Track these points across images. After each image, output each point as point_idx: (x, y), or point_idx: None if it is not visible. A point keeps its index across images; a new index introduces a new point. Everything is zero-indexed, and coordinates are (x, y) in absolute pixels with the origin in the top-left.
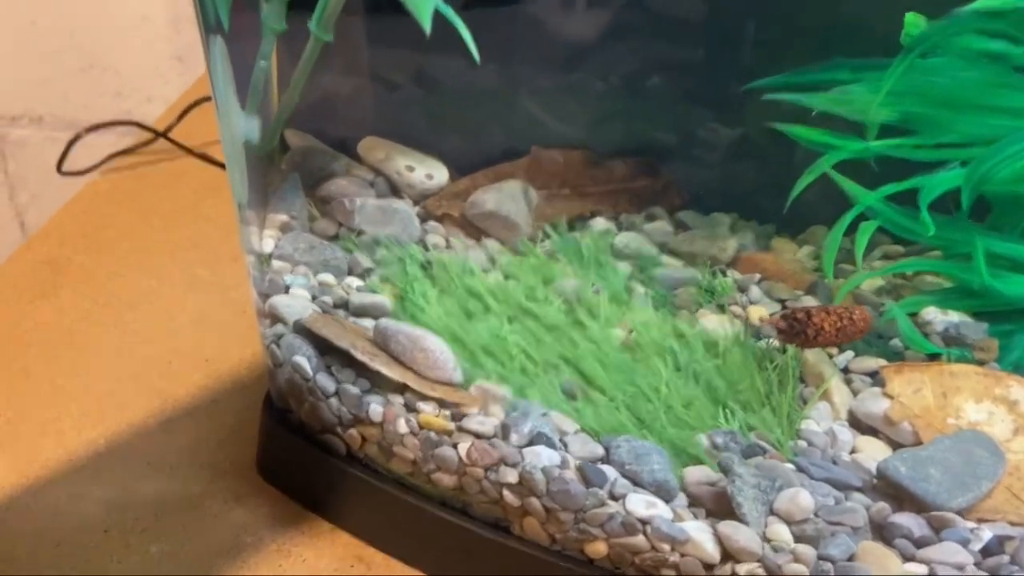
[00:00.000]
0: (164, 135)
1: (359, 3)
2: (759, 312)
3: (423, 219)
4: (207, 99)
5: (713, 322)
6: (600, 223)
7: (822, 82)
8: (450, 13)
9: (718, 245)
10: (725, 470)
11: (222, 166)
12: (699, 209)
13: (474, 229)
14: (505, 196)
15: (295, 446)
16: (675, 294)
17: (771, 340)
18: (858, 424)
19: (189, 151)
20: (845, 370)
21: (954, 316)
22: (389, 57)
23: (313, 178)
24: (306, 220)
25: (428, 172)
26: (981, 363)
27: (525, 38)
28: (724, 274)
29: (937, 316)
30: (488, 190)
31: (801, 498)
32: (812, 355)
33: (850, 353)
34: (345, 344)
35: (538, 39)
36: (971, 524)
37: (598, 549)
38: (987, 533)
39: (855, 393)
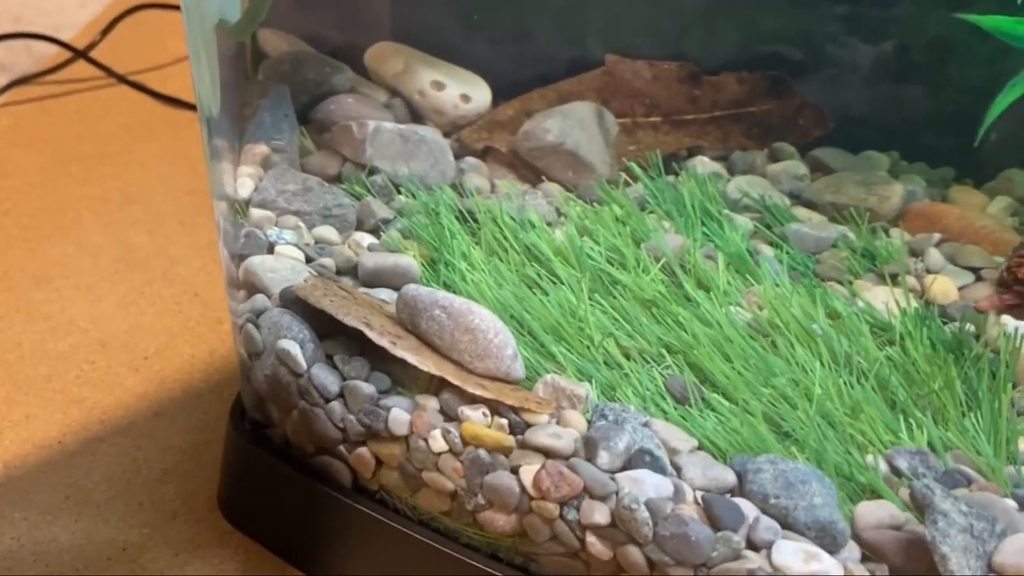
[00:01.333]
0: (84, 55)
1: None
2: (943, 285)
3: (458, 155)
4: (141, 7)
5: (881, 297)
6: (704, 163)
7: None
8: None
9: (877, 193)
10: (920, 506)
11: (161, 97)
12: (842, 145)
13: (529, 169)
14: (571, 124)
15: (276, 474)
16: (817, 259)
17: (966, 324)
18: None
19: (120, 78)
20: None
21: None
22: None
23: (306, 96)
24: (296, 154)
25: (463, 91)
26: None
27: None
28: (887, 233)
29: None
30: (547, 116)
31: None
32: None
33: None
34: (355, 322)
35: None
36: None
37: None
38: None
39: None
